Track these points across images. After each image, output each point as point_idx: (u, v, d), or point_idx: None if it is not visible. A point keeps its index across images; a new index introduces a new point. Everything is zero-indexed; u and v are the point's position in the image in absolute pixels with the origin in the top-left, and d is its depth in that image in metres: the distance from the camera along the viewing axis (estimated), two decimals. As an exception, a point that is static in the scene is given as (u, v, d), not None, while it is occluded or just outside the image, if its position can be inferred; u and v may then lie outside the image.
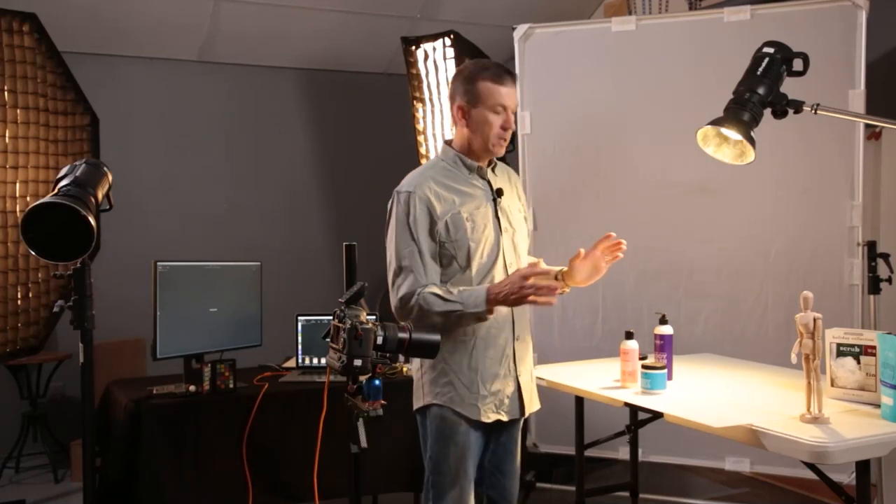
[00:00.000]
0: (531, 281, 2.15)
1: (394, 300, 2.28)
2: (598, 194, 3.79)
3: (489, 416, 2.30)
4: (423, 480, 3.39)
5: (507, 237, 2.37)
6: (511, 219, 2.40)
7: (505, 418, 2.34)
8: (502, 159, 2.48)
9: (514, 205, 2.44)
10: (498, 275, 2.32)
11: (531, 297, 2.15)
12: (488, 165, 2.39)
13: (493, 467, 2.43)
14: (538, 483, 3.94)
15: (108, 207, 2.54)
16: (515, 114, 2.38)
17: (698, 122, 2.26)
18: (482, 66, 2.34)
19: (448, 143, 2.42)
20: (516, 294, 2.15)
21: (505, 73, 2.31)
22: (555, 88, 3.85)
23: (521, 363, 2.38)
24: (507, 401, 2.33)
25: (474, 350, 2.28)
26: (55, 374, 4.70)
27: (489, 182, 2.37)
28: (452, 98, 2.36)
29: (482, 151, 2.34)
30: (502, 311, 2.30)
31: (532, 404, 2.43)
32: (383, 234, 2.38)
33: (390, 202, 2.35)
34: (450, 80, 4.30)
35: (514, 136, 3.79)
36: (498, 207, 2.36)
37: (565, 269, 2.43)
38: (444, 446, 2.29)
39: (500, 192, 2.37)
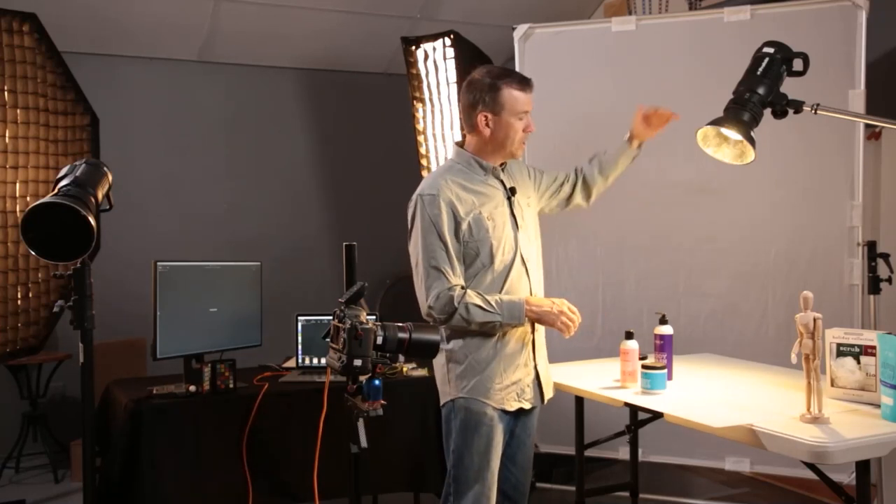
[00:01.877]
0: (568, 314, 2.34)
1: (427, 300, 2.33)
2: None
3: (512, 405, 2.39)
4: (423, 480, 3.39)
5: (523, 233, 2.46)
6: (524, 215, 2.49)
7: (527, 406, 2.43)
8: None
9: (524, 200, 2.53)
10: (517, 269, 2.41)
11: (560, 326, 2.34)
12: (500, 165, 2.48)
13: (506, 459, 2.48)
14: (538, 483, 3.94)
15: (108, 207, 2.54)
16: None
17: (698, 122, 2.26)
18: (501, 73, 2.39)
19: (459, 145, 2.49)
20: (553, 318, 2.34)
21: (525, 79, 2.40)
22: (555, 88, 3.85)
23: (539, 353, 2.48)
24: (527, 389, 2.43)
25: (498, 343, 2.37)
26: (55, 374, 4.70)
27: (503, 181, 2.46)
28: (472, 106, 2.40)
29: (502, 155, 2.44)
30: None
31: (548, 391, 2.53)
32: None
33: (412, 206, 2.40)
34: (450, 80, 4.35)
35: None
36: (513, 205, 2.45)
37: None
38: (470, 438, 2.35)
39: (513, 191, 2.46)
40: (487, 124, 2.38)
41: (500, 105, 2.36)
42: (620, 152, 2.75)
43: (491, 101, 2.36)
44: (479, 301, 2.30)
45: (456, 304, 2.28)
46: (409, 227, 2.41)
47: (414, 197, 2.40)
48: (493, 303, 2.31)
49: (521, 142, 2.42)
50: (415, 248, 2.38)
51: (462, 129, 2.52)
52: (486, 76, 2.38)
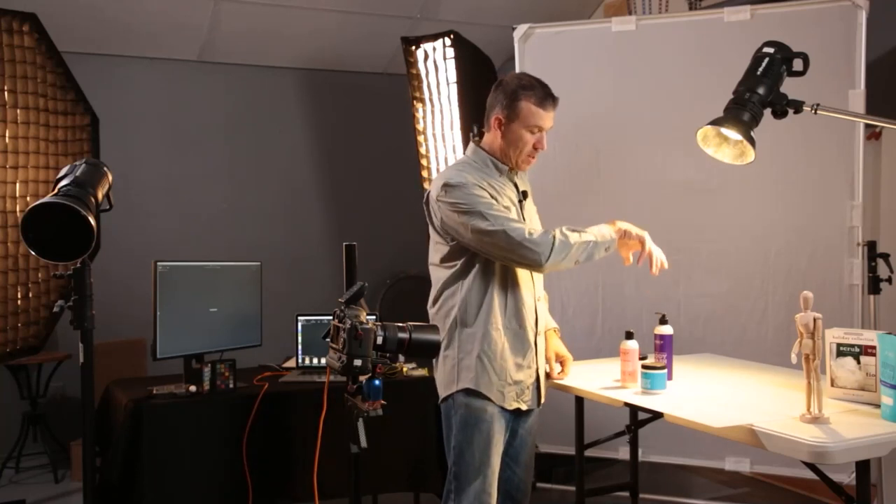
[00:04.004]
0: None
1: (524, 235, 2.25)
2: (598, 194, 3.79)
3: (511, 404, 2.40)
4: (423, 480, 3.39)
5: None
6: (532, 220, 2.53)
7: (524, 407, 2.44)
8: None
9: (532, 207, 2.58)
10: (522, 271, 2.42)
11: (649, 253, 2.40)
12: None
13: (509, 459, 2.49)
14: (538, 483, 3.94)
15: (108, 207, 2.53)
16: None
17: (698, 122, 2.26)
18: (527, 84, 2.40)
19: (477, 143, 2.50)
20: (643, 239, 2.40)
21: (548, 97, 2.41)
22: (555, 88, 3.80)
23: (541, 357, 2.50)
24: (527, 391, 2.44)
25: (506, 341, 2.38)
26: (55, 374, 4.70)
27: (515, 184, 2.49)
28: (492, 105, 2.44)
29: (509, 162, 2.45)
30: (531, 308, 2.44)
31: (544, 395, 2.54)
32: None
33: (444, 194, 2.33)
34: (450, 80, 4.36)
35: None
36: (522, 209, 2.48)
37: None
38: (470, 434, 2.36)
39: (525, 195, 2.50)
40: (499, 127, 2.41)
41: (514, 113, 2.38)
42: None
43: (507, 107, 2.39)
44: (569, 227, 2.31)
45: (550, 233, 2.28)
46: (451, 212, 2.31)
47: (437, 189, 2.35)
48: (580, 228, 2.32)
49: (529, 156, 2.43)
50: (472, 213, 2.27)
51: (482, 126, 2.53)
52: (514, 82, 2.41)
